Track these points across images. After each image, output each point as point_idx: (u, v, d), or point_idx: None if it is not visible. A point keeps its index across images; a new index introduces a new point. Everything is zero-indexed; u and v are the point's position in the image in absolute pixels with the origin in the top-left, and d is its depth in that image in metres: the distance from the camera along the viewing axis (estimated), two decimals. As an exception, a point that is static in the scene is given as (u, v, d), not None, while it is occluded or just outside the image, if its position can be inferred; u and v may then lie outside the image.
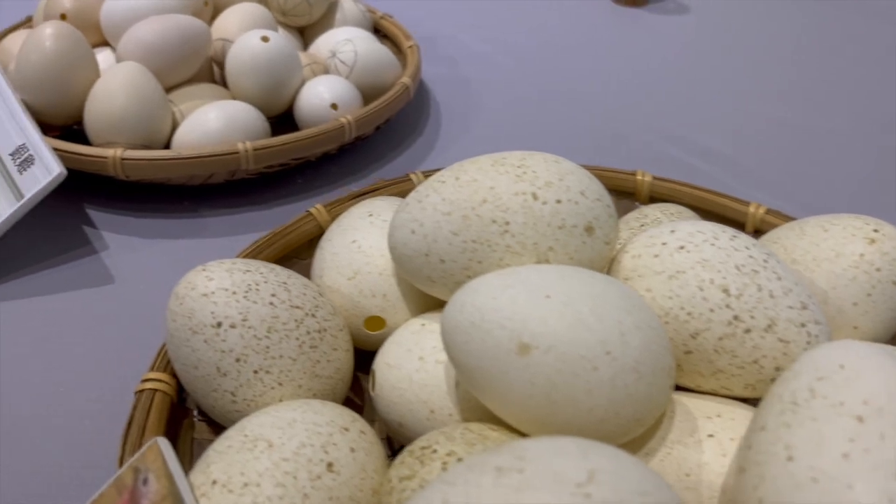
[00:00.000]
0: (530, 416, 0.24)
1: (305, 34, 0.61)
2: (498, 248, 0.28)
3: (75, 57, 0.47)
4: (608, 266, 0.30)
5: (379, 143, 0.55)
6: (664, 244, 0.28)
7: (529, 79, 0.67)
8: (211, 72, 0.54)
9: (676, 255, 0.28)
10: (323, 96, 0.50)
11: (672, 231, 0.29)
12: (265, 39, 0.49)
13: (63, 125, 0.49)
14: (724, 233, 0.28)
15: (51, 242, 0.44)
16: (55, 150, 0.42)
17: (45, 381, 0.36)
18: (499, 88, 0.65)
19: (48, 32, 0.46)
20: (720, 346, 0.26)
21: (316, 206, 0.39)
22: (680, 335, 0.27)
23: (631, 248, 0.30)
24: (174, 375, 0.30)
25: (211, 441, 0.27)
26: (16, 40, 0.55)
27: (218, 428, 0.29)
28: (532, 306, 0.24)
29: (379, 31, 0.65)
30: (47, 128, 0.48)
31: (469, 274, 0.29)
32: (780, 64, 0.73)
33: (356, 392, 0.34)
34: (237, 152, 0.45)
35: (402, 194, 0.39)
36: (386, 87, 0.55)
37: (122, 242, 0.45)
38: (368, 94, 0.54)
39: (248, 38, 0.50)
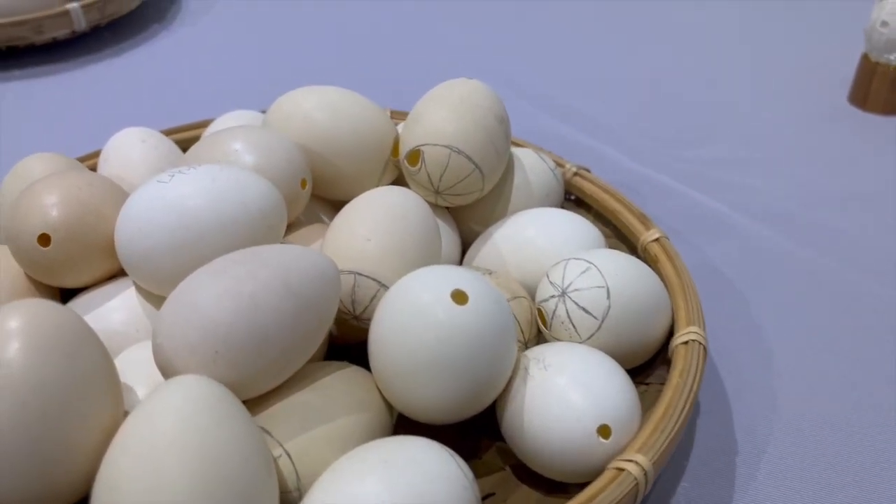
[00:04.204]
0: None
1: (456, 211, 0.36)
2: None
3: (72, 387, 0.21)
4: None
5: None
6: None
7: (799, 251, 0.42)
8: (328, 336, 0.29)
9: None
10: (576, 408, 0.24)
11: None
12: (460, 299, 0.24)
13: None
14: None
15: None
16: None
17: None
18: (768, 270, 0.40)
19: (13, 328, 0.21)
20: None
21: None
22: None
23: None
24: None
25: None
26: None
27: None
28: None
29: (569, 196, 0.40)
30: None
31: None
32: None
33: None
34: None
35: None
36: (651, 345, 0.30)
37: None
38: (622, 359, 0.28)
39: (421, 294, 0.24)
